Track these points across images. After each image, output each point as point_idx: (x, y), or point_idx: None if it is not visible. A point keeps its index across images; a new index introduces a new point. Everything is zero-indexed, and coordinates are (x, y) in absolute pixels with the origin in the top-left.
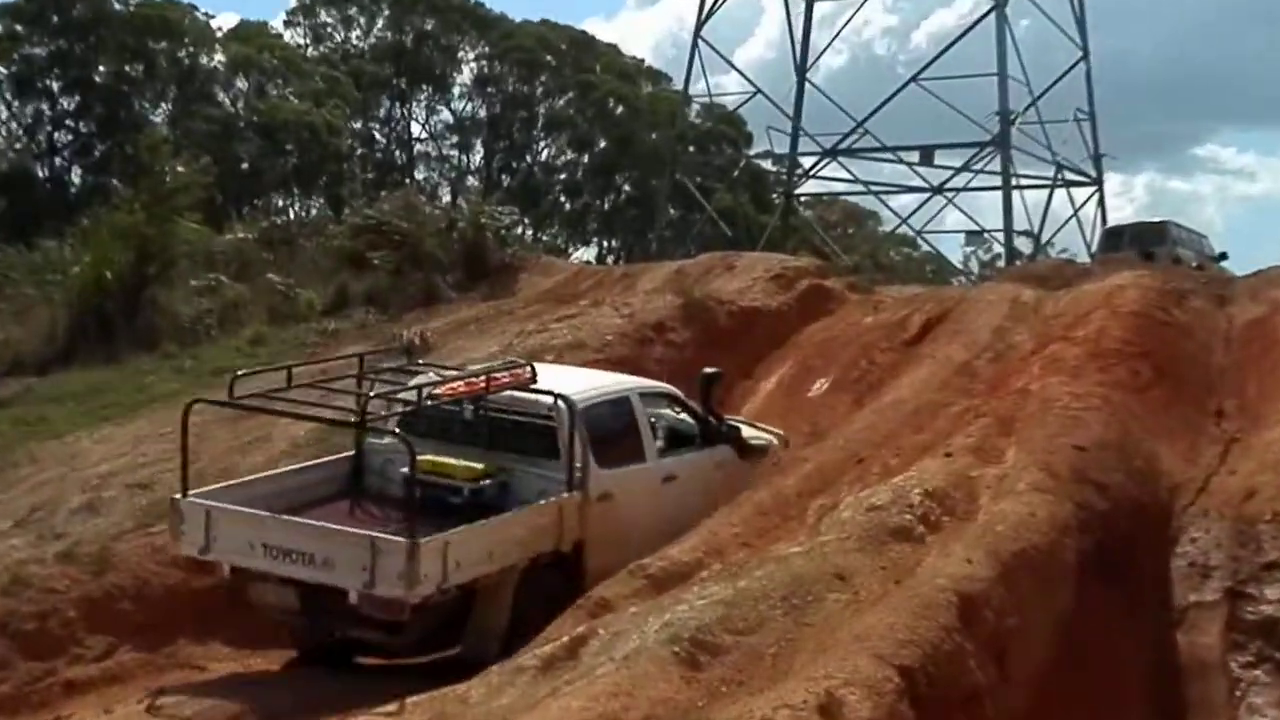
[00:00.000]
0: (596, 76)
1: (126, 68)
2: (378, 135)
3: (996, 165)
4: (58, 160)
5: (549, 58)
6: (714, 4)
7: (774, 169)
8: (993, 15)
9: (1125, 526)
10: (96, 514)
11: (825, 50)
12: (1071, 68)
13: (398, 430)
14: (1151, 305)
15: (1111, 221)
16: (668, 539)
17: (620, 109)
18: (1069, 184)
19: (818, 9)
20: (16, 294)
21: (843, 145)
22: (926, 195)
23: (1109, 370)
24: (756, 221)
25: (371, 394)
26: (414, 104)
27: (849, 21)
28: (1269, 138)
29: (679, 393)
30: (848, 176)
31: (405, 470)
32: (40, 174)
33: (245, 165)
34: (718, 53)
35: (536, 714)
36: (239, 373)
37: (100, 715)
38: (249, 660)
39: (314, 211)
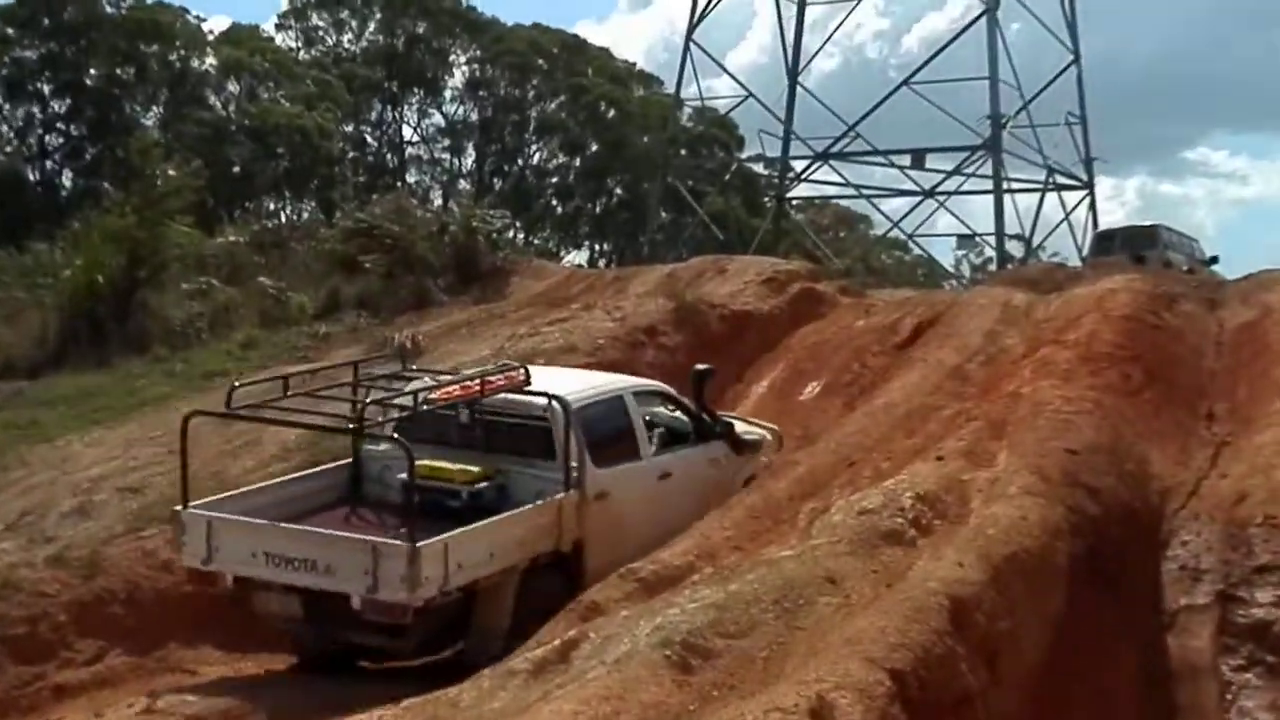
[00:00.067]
0: (588, 80)
1: (118, 71)
2: (369, 139)
3: (988, 169)
4: (49, 163)
5: (541, 61)
6: (705, 8)
7: (765, 172)
8: (984, 19)
9: (1116, 530)
10: (87, 518)
11: (817, 54)
12: (1062, 71)
13: (396, 435)
14: (1143, 309)
15: (1103, 225)
16: (665, 536)
17: (612, 112)
18: (1060, 188)
19: (809, 13)
20: (7, 297)
21: (834, 149)
22: (918, 199)
23: (1100, 374)
24: (748, 225)
25: (368, 400)
26: (405, 107)
27: (840, 25)
28: (1260, 141)
29: (672, 390)
30: (839, 180)
31: (403, 476)
32: (31, 177)
33: (237, 169)
34: (709, 56)
35: (527, 718)
36: (236, 383)
37: (90, 719)
38: (239, 664)
39: (305, 215)
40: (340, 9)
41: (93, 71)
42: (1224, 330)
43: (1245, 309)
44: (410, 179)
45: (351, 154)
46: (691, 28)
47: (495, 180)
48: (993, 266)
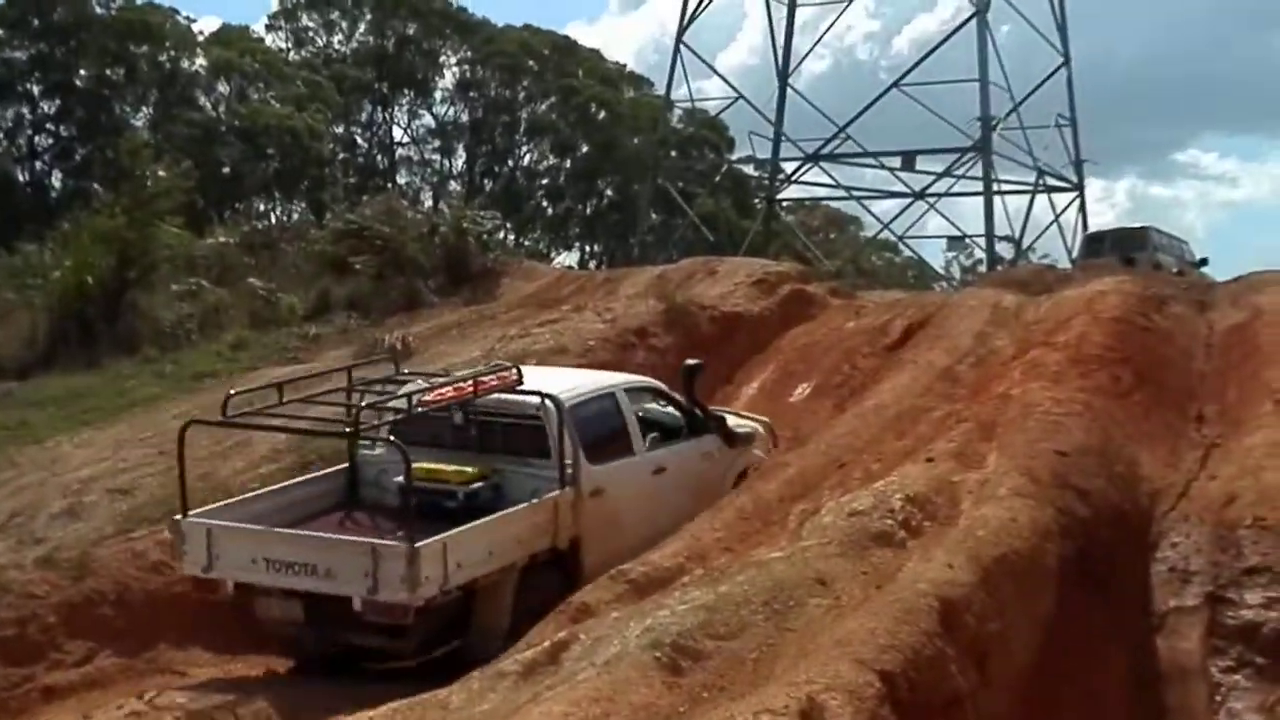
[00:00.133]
0: (579, 81)
1: (107, 72)
2: (359, 140)
3: (978, 171)
4: (38, 164)
5: (531, 63)
6: (696, 9)
7: (756, 174)
8: (974, 21)
9: (1106, 532)
10: (77, 519)
11: (807, 55)
12: (1053, 73)
13: (392, 438)
14: (1132, 311)
15: (1093, 227)
16: (661, 530)
17: (602, 114)
18: (1050, 189)
19: (800, 14)
20: None
21: (825, 150)
22: (908, 200)
23: (1090, 376)
24: (738, 226)
25: (362, 404)
26: (396, 108)
27: (831, 27)
28: (1250, 144)
29: (663, 386)
30: (830, 182)
31: (400, 479)
32: (20, 178)
33: (226, 169)
34: (700, 58)
35: (517, 719)
36: (232, 391)
37: None
38: (229, 666)
39: (295, 216)
40: (330, 10)
41: (82, 72)
42: (1214, 332)
43: (1235, 311)
44: (400, 180)
45: (342, 155)
46: (682, 29)
47: (486, 181)
48: (983, 268)
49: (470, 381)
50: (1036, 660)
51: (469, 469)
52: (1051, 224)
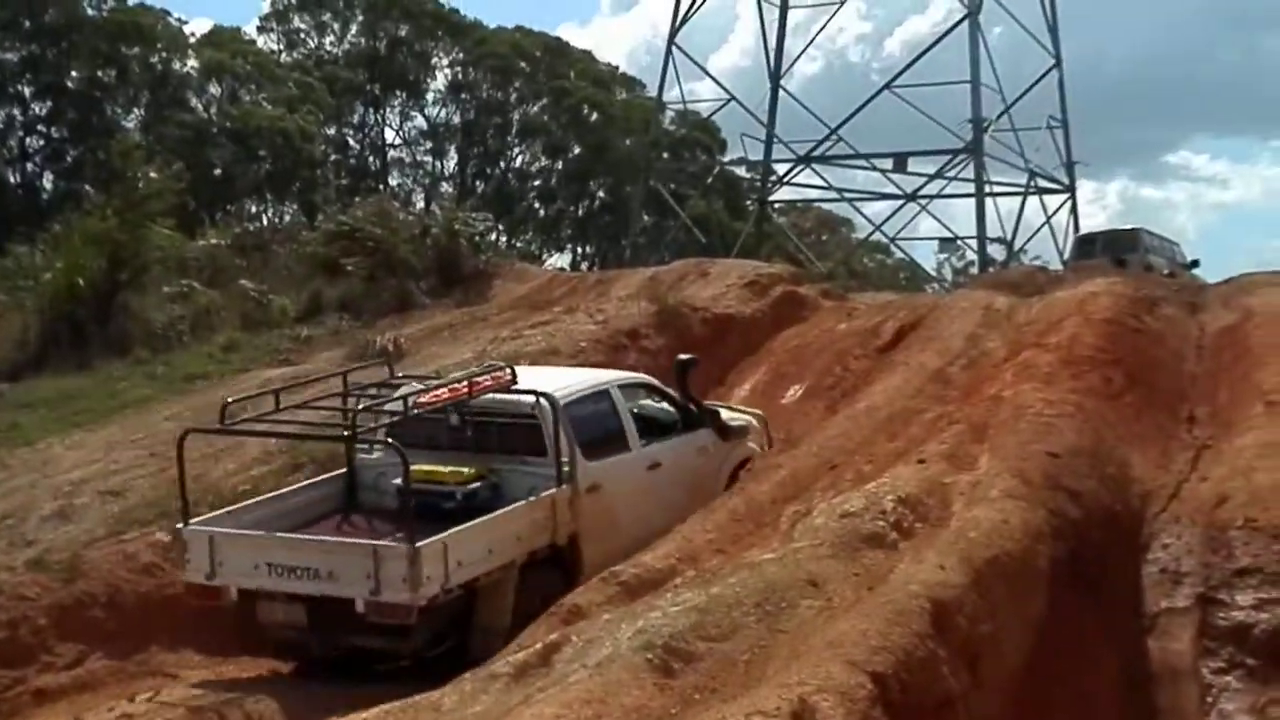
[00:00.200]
0: (571, 83)
1: (99, 73)
2: (351, 141)
3: (969, 172)
4: (29, 166)
5: (523, 64)
6: (688, 11)
7: (748, 176)
8: (966, 23)
9: (1098, 533)
10: (68, 521)
11: (799, 57)
12: (1044, 75)
13: (390, 440)
14: (1124, 312)
15: (1084, 229)
16: (658, 525)
17: (594, 115)
18: (1042, 191)
19: (791, 16)
20: None
21: (816, 152)
22: (900, 202)
23: (1082, 377)
24: (730, 228)
25: (359, 407)
26: (388, 110)
27: (823, 29)
28: (1241, 145)
29: (656, 382)
30: (821, 183)
31: (398, 481)
32: (12, 179)
33: (218, 171)
34: (692, 60)
35: None
36: (230, 399)
37: None
38: (221, 668)
39: (287, 218)
40: (322, 11)
41: (74, 74)
42: (1205, 334)
43: (1226, 312)
44: (392, 182)
45: (333, 157)
46: (674, 31)
47: (478, 183)
48: (974, 270)
49: (465, 382)
50: (1028, 661)
51: (466, 469)
52: (1043, 226)
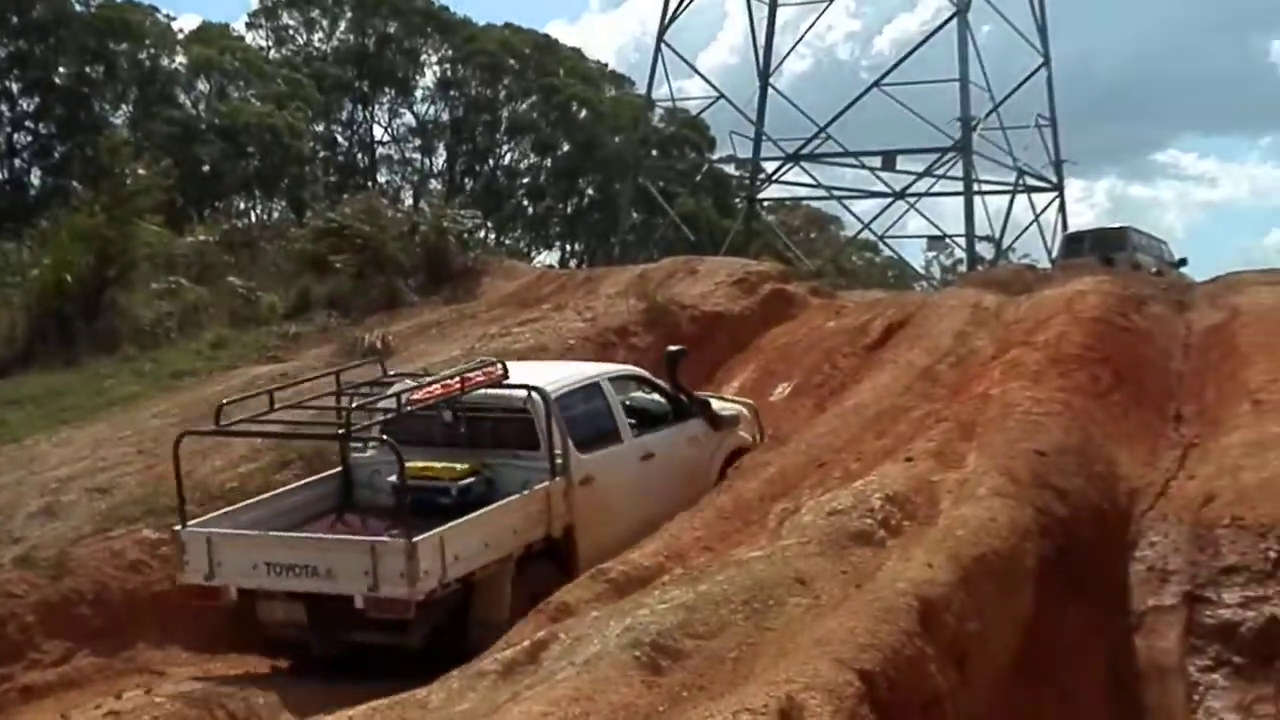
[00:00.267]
0: (560, 80)
1: (87, 69)
2: (340, 138)
3: (958, 171)
4: (17, 162)
5: (512, 61)
6: (677, 8)
7: (737, 173)
8: (954, 21)
9: (1085, 531)
10: (55, 518)
11: (788, 55)
12: (1033, 74)
13: (385, 437)
14: (1112, 311)
15: (1072, 227)
16: (652, 514)
17: (583, 113)
18: (1030, 189)
19: (781, 14)
20: None
21: (805, 150)
22: (888, 200)
23: (1069, 375)
24: (719, 226)
25: (353, 406)
26: (376, 107)
27: (812, 26)
28: (1229, 144)
29: (647, 374)
30: (810, 181)
31: (393, 479)
32: None
33: (206, 168)
34: (681, 57)
35: (496, 719)
36: (224, 402)
37: None
38: (208, 665)
39: (275, 214)
40: (311, 8)
41: (61, 70)
42: (1192, 332)
43: (1213, 311)
44: (381, 179)
45: (322, 153)
46: (663, 28)
47: (466, 180)
48: (963, 268)
49: (457, 379)
50: (1016, 659)
51: (460, 465)
52: (1031, 224)
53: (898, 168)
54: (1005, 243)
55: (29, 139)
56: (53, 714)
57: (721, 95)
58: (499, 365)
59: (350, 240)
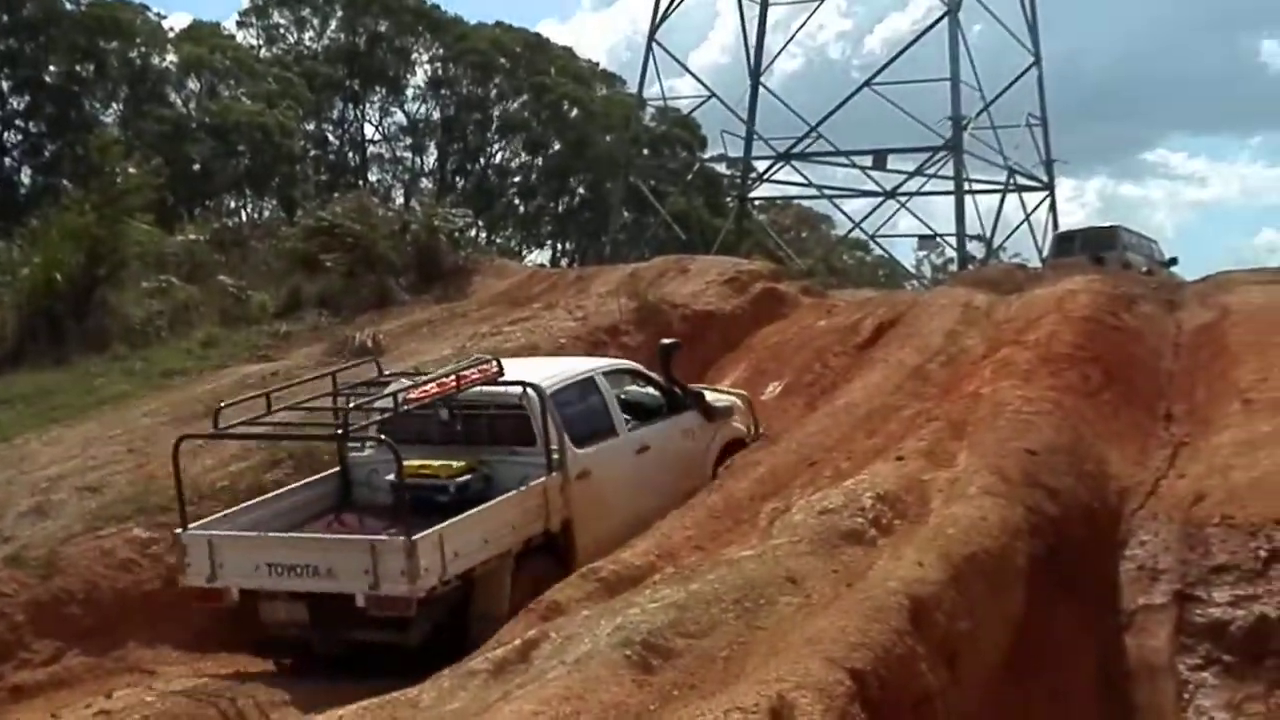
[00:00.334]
0: (551, 79)
1: (77, 68)
2: (331, 137)
3: (949, 170)
4: (7, 160)
5: (503, 60)
6: (668, 7)
7: (728, 173)
8: (945, 20)
9: (1076, 530)
10: (45, 517)
11: (779, 54)
12: (1023, 73)
13: (383, 436)
14: (1102, 310)
15: (1063, 226)
16: (648, 507)
17: (574, 112)
18: (1021, 189)
19: (772, 13)
20: None
21: (796, 149)
22: (879, 199)
23: (1060, 374)
24: (710, 225)
25: (350, 406)
26: (367, 106)
27: (803, 25)
28: (1219, 144)
29: (641, 367)
30: (801, 180)
31: (391, 477)
32: None
33: (197, 166)
34: (672, 56)
35: (487, 718)
36: (222, 405)
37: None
38: (199, 664)
39: (266, 213)
40: (301, 7)
41: (52, 68)
42: (1182, 332)
43: (1203, 310)
44: (372, 177)
45: (313, 152)
46: (654, 27)
47: (457, 179)
48: (954, 267)
49: (453, 377)
50: (1006, 658)
51: (458, 462)
52: (1022, 223)
53: (889, 167)
54: (996, 242)
55: (19, 137)
56: (43, 713)
57: (713, 94)
58: (494, 363)
59: (341, 239)
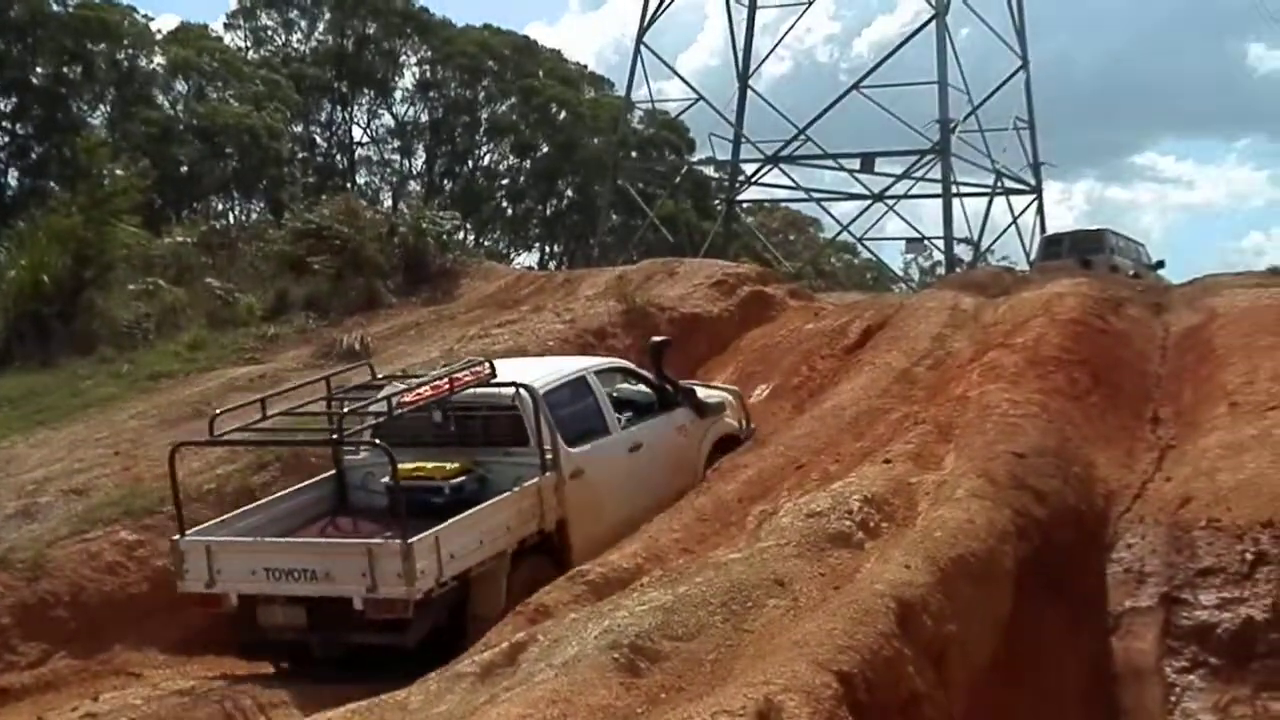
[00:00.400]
0: (539, 82)
1: (64, 69)
2: (318, 139)
3: (937, 173)
4: None
5: (491, 63)
6: (656, 10)
7: (716, 175)
8: (933, 24)
9: (1062, 533)
10: (32, 520)
11: (767, 57)
12: (1011, 76)
13: (377, 440)
14: (1089, 313)
15: (1050, 229)
16: (642, 504)
17: (563, 114)
18: (1008, 192)
19: (760, 16)
20: None
21: (784, 152)
22: (867, 202)
23: (1047, 377)
24: (698, 228)
25: (345, 410)
26: (355, 108)
27: (791, 29)
28: (1206, 147)
29: (631, 365)
30: (789, 183)
31: (386, 480)
32: None
33: (184, 168)
34: (660, 59)
35: None
36: (218, 411)
37: None
38: (185, 667)
39: (254, 215)
40: (289, 9)
41: (39, 70)
42: (1169, 335)
43: (1190, 313)
44: (360, 180)
45: (301, 154)
46: (642, 30)
47: (445, 181)
48: (941, 270)
49: (446, 379)
50: (993, 660)
51: (451, 464)
52: (1009, 226)
53: (876, 170)
54: (984, 245)
55: (6, 139)
56: (29, 716)
57: (701, 97)
58: (486, 364)
59: (329, 241)
